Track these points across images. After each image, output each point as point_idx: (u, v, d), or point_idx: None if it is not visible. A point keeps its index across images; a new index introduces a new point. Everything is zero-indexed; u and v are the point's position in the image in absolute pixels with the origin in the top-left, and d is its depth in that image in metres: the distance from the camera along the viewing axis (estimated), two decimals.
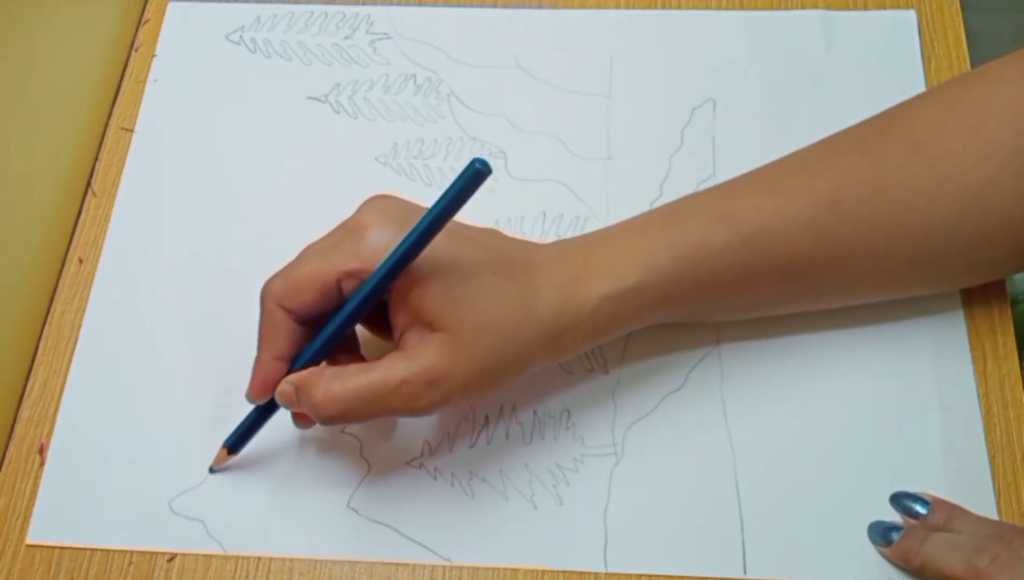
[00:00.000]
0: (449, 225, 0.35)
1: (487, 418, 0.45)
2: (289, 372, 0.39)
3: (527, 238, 0.41)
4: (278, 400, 0.39)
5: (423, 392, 0.36)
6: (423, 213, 0.35)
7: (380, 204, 0.38)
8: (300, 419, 0.40)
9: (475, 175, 0.33)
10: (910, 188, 0.39)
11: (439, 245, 0.36)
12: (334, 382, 0.37)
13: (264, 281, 0.38)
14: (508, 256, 0.39)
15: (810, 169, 0.41)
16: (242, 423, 0.42)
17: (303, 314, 0.38)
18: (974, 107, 0.40)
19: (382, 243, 0.36)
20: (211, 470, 0.44)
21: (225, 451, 0.43)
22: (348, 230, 0.38)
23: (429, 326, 0.36)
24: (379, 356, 0.37)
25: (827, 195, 0.40)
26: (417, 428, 0.45)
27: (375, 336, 0.41)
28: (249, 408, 0.41)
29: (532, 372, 0.39)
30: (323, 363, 0.39)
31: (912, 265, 0.41)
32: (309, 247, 0.38)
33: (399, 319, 0.37)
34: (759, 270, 0.40)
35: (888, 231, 0.40)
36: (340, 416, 0.37)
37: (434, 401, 0.36)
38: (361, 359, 0.40)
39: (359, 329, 0.41)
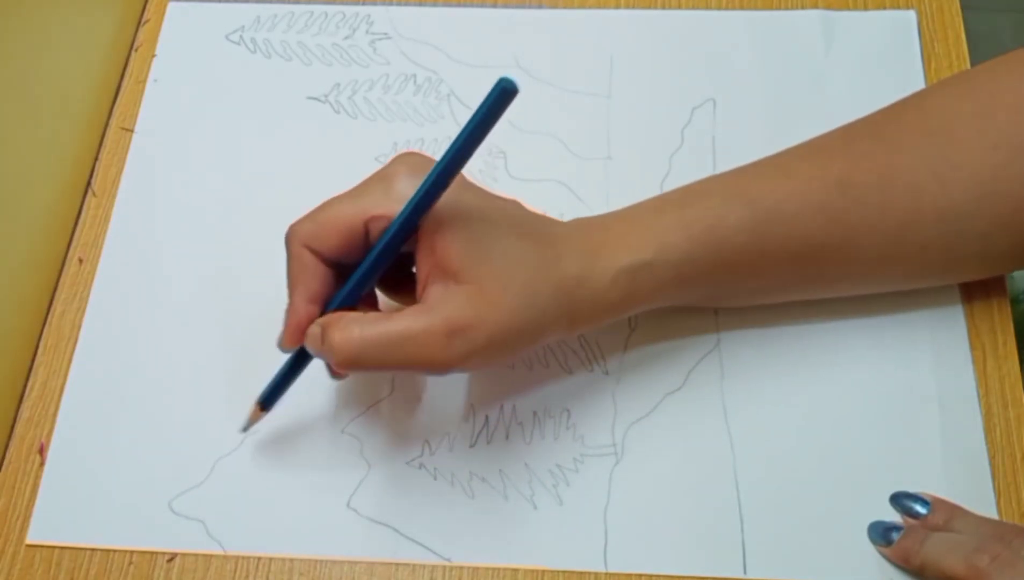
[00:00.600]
0: (475, 187, 0.35)
1: (487, 418, 0.45)
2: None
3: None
4: (307, 344, 0.38)
5: (444, 342, 0.35)
6: None
7: (409, 157, 0.38)
8: (334, 370, 0.40)
9: (502, 94, 0.32)
10: (923, 173, 0.40)
11: (467, 198, 0.36)
12: (353, 324, 0.36)
13: (287, 226, 0.38)
14: (531, 225, 0.39)
15: (824, 154, 0.41)
16: (274, 378, 0.41)
17: (329, 257, 0.38)
18: (987, 96, 0.40)
19: (411, 189, 0.36)
20: (244, 429, 0.43)
21: (258, 408, 0.42)
22: (377, 178, 0.38)
23: (454, 277, 0.36)
24: None
25: (840, 178, 0.40)
26: (417, 428, 0.45)
27: (395, 301, 0.41)
28: (279, 363, 0.40)
29: (548, 341, 0.39)
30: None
31: (923, 251, 0.41)
32: (339, 194, 0.38)
33: (423, 267, 0.37)
34: (772, 252, 0.40)
35: (900, 215, 0.40)
36: (355, 359, 0.36)
37: (453, 355, 0.36)
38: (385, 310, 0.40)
39: (380, 298, 0.41)
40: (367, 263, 0.37)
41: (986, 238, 0.41)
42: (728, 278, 0.41)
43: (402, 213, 0.36)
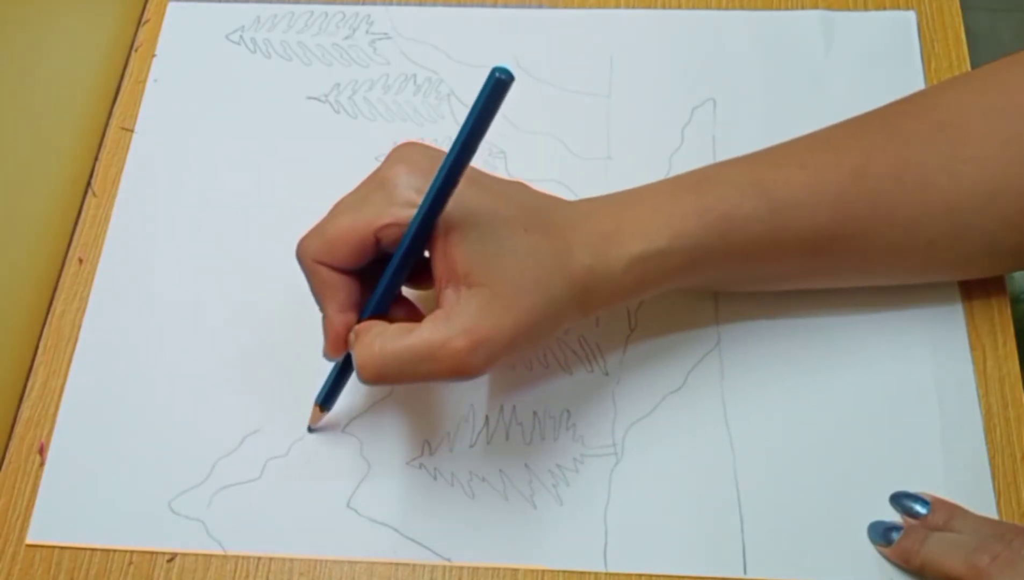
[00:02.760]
0: (478, 178, 0.35)
1: (487, 418, 0.45)
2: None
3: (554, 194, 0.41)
4: (352, 350, 0.38)
5: (465, 355, 0.35)
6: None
7: (407, 153, 0.38)
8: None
9: (497, 85, 0.32)
10: (934, 166, 0.40)
11: (470, 198, 0.36)
12: (376, 340, 0.36)
13: (298, 240, 0.38)
14: (539, 213, 0.38)
15: (837, 145, 0.41)
16: (328, 378, 0.42)
17: (343, 268, 0.38)
18: (1000, 92, 0.40)
19: (413, 192, 0.36)
20: (310, 429, 0.44)
21: (318, 409, 0.42)
22: (378, 182, 0.37)
23: (465, 281, 0.36)
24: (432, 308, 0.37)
25: (854, 170, 0.40)
26: (417, 428, 0.45)
27: (414, 289, 0.40)
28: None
29: (563, 330, 0.39)
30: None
31: (932, 246, 0.41)
32: (340, 202, 0.38)
33: (438, 269, 0.37)
34: (784, 241, 0.40)
35: (910, 209, 0.40)
36: (378, 375, 0.36)
37: (476, 365, 0.36)
38: (416, 311, 0.40)
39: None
40: (388, 274, 0.37)
41: (994, 235, 0.41)
42: (740, 265, 0.41)
43: (415, 220, 0.36)
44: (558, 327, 0.38)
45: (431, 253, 0.37)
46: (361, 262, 0.37)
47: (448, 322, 0.35)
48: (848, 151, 0.41)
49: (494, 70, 0.32)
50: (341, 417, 0.45)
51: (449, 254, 0.36)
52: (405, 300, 0.40)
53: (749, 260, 0.41)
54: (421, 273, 0.39)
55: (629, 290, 0.40)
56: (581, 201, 0.41)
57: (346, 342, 0.38)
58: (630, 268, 0.39)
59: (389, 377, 0.36)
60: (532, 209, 0.38)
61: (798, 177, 0.40)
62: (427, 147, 0.38)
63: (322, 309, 0.38)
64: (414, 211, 0.36)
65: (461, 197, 0.36)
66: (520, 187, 0.40)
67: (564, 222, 0.39)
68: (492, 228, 0.36)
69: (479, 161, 0.52)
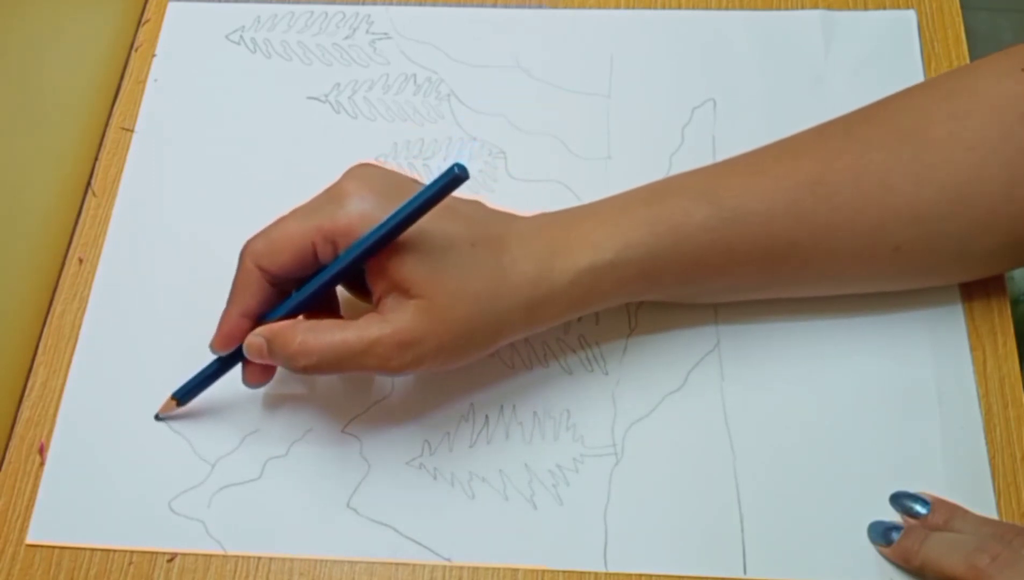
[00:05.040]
0: None
1: (487, 418, 0.45)
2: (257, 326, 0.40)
3: (511, 210, 0.41)
4: (246, 352, 0.40)
5: (395, 353, 0.37)
6: (404, 182, 0.37)
7: (363, 172, 0.39)
8: (251, 378, 0.41)
9: (453, 180, 0.35)
10: (895, 172, 0.39)
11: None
12: (309, 334, 0.38)
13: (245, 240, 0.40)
14: (488, 228, 0.39)
15: (795, 153, 0.41)
16: (196, 376, 0.43)
17: (278, 275, 0.39)
18: (962, 97, 0.40)
19: (361, 210, 0.37)
20: (157, 417, 0.45)
21: (174, 402, 0.43)
22: (330, 196, 0.39)
23: (406, 293, 0.37)
24: (357, 317, 0.38)
25: (811, 177, 0.40)
26: (417, 428, 0.45)
27: (355, 298, 0.42)
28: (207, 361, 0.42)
29: (509, 341, 0.40)
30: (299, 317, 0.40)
31: (898, 252, 0.41)
32: (292, 210, 0.39)
33: (377, 286, 0.38)
34: (740, 250, 0.40)
35: (872, 215, 0.40)
36: (313, 368, 0.38)
37: (405, 363, 0.37)
38: (339, 317, 0.41)
39: (340, 290, 0.42)
40: (307, 291, 0.39)
41: (961, 240, 0.40)
42: (696, 276, 0.41)
43: (341, 259, 0.37)
44: (500, 338, 0.39)
45: (369, 270, 0.38)
46: (297, 272, 0.39)
47: (383, 323, 0.37)
48: (806, 158, 0.40)
49: (453, 166, 0.35)
50: (341, 417, 0.45)
51: (390, 270, 0.37)
52: (333, 305, 0.42)
53: (705, 271, 0.41)
54: (358, 282, 0.40)
55: (578, 301, 0.40)
56: (534, 216, 0.41)
57: (235, 342, 0.40)
58: (577, 280, 0.39)
59: (324, 367, 0.38)
60: (483, 224, 0.39)
61: (752, 185, 0.40)
62: (383, 169, 0.39)
63: (228, 304, 0.40)
64: (359, 225, 0.37)
65: None
66: (475, 205, 0.40)
67: (514, 236, 0.39)
68: (437, 245, 0.37)
69: (479, 163, 0.52)
